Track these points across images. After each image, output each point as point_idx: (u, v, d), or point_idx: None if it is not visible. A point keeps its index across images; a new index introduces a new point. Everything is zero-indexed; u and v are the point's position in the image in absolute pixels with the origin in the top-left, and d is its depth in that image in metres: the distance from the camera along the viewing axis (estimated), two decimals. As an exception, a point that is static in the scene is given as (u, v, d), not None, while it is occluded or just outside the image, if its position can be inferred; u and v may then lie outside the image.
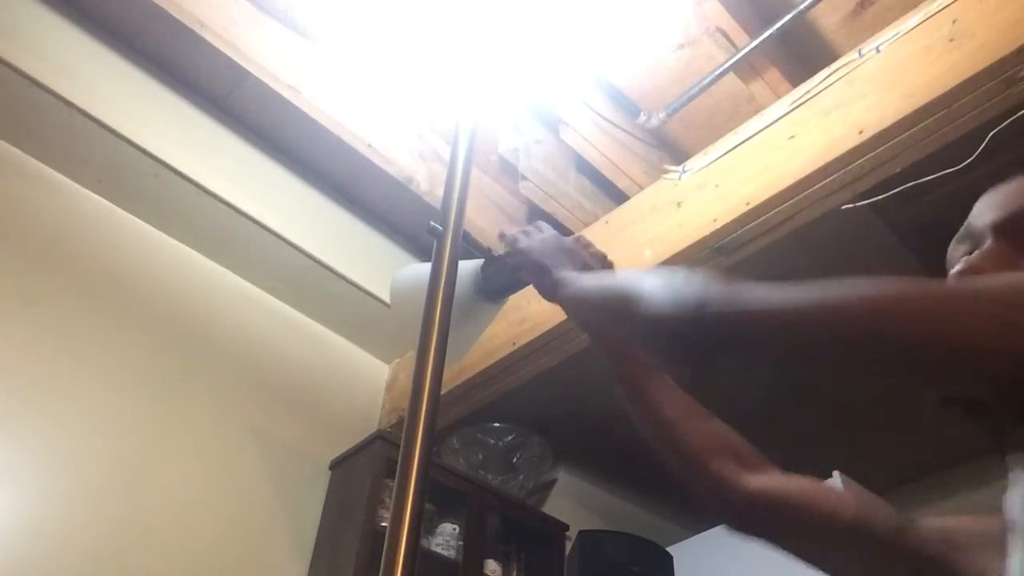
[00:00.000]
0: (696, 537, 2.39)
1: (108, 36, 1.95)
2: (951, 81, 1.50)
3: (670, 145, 2.13)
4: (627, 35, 1.91)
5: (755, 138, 1.79)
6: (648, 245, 1.88)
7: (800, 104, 1.75)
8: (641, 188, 2.07)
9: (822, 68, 1.80)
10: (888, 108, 1.58)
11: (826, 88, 1.73)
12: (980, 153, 1.50)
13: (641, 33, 1.91)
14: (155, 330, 2.01)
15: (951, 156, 1.58)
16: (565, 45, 1.92)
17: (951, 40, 1.54)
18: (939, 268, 2.26)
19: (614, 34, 1.91)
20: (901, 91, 1.57)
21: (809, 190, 1.67)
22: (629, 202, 2.09)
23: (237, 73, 1.93)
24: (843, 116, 1.65)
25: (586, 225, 2.17)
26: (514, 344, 2.05)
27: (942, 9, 1.57)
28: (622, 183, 2.11)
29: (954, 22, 1.55)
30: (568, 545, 2.44)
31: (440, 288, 0.89)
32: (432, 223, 0.87)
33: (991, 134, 1.45)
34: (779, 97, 1.87)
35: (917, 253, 2.11)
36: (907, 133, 1.57)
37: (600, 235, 2.03)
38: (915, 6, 1.71)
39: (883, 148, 1.60)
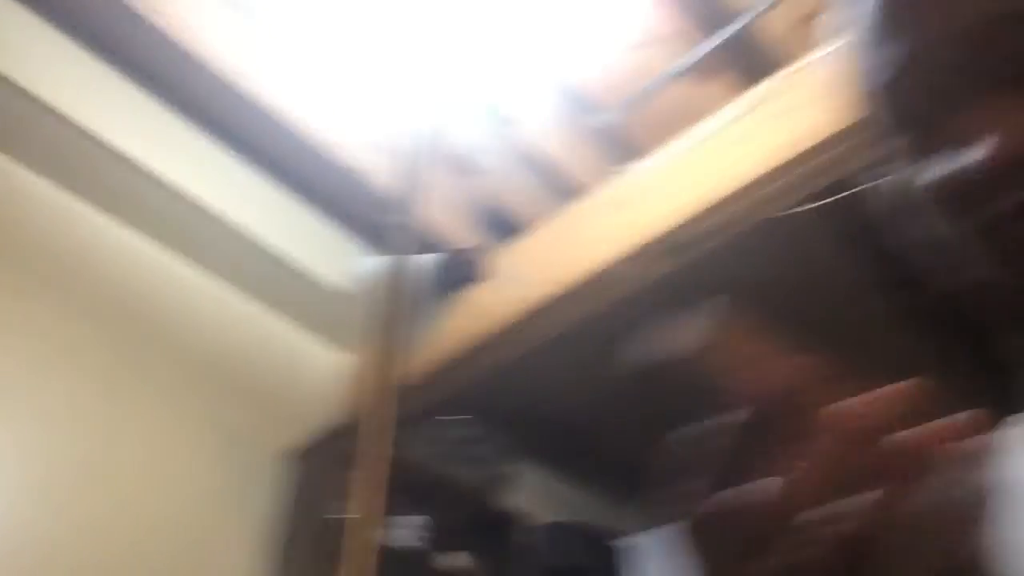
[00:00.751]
0: (651, 532, 2.44)
1: (51, 17, 1.88)
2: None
3: (624, 144, 2.17)
4: (584, 33, 1.95)
5: (707, 140, 1.84)
6: (597, 244, 1.92)
7: (752, 108, 1.80)
8: (592, 187, 2.12)
9: (774, 73, 1.87)
10: (839, 113, 1.63)
11: (778, 92, 1.78)
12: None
13: (598, 32, 1.95)
14: (101, 317, 1.98)
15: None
16: (520, 42, 1.95)
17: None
18: (877, 272, 2.30)
19: (571, 32, 1.95)
20: (852, 97, 1.62)
21: (759, 193, 1.72)
22: (579, 201, 2.13)
23: (181, 55, 1.91)
24: (795, 120, 1.70)
25: (536, 222, 2.21)
26: (475, 337, 2.07)
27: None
28: (574, 182, 2.15)
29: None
30: (530, 537, 2.48)
31: (398, 281, 0.93)
32: (389, 217, 0.90)
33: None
34: (732, 100, 1.93)
35: (864, 257, 2.16)
36: (857, 138, 1.63)
37: (550, 233, 2.07)
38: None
39: (833, 153, 1.65)
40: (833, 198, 1.75)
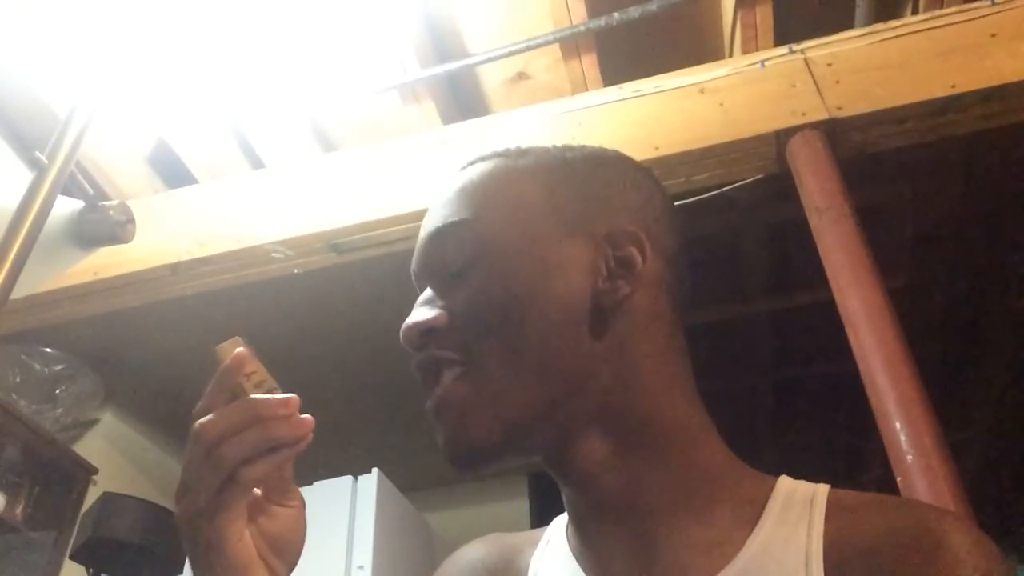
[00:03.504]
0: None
1: None
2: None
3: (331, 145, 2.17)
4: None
5: (408, 158, 1.91)
6: (258, 222, 1.89)
7: (445, 143, 1.91)
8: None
9: (477, 116, 2.01)
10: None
11: (471, 139, 1.90)
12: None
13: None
14: None
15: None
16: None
17: (573, 139, 1.81)
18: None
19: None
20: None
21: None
22: (261, 175, 2.08)
23: None
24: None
25: (208, 178, 2.10)
26: (96, 274, 1.90)
27: (572, 111, 1.85)
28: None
29: (580, 124, 1.83)
30: (92, 490, 2.31)
31: (26, 221, 0.83)
32: (37, 154, 0.81)
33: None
34: (431, 129, 2.02)
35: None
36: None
37: (216, 195, 1.99)
38: (565, 92, 1.99)
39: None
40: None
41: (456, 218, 0.61)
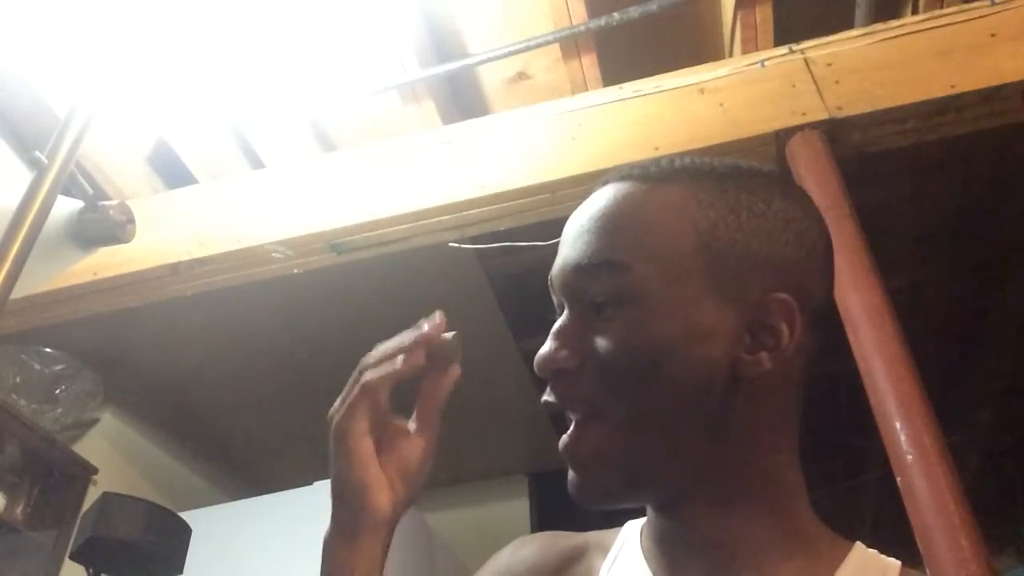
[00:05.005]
0: (226, 505, 2.43)
1: None
2: (563, 173, 1.77)
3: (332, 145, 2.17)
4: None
5: (408, 158, 1.91)
6: (256, 221, 1.89)
7: (449, 141, 1.91)
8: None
9: (477, 117, 2.01)
10: (513, 176, 1.81)
11: (471, 139, 1.90)
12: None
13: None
14: None
15: (547, 231, 1.85)
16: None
17: (573, 139, 1.82)
18: (514, 315, 2.59)
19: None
20: (529, 166, 1.81)
21: (426, 221, 1.83)
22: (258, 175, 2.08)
23: None
24: (475, 168, 1.84)
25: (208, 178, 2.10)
26: (96, 274, 1.90)
27: (572, 111, 1.85)
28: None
29: (580, 124, 1.83)
30: (92, 490, 2.31)
31: (26, 221, 0.83)
32: (37, 153, 0.81)
33: (577, 227, 1.72)
34: (431, 129, 2.02)
35: (500, 298, 2.41)
36: (518, 201, 1.81)
37: (216, 196, 1.99)
38: (564, 93, 1.99)
39: (497, 207, 1.82)
40: (489, 245, 1.92)
41: (608, 258, 0.59)
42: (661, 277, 0.58)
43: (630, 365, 0.57)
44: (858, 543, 0.62)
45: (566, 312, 0.61)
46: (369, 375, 0.58)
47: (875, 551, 0.62)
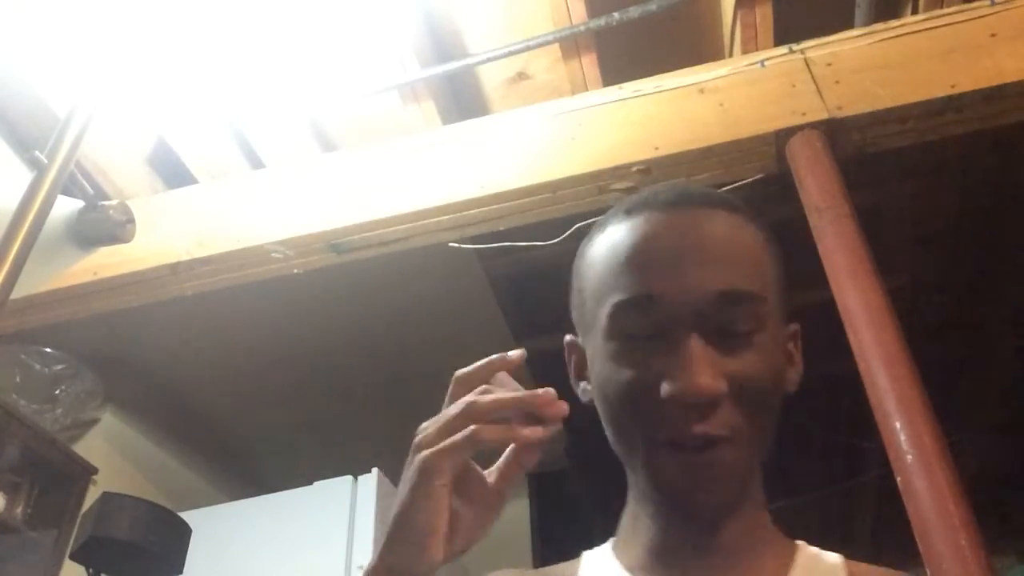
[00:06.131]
0: (226, 505, 2.43)
1: None
2: (563, 173, 1.77)
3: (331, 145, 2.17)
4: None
5: (408, 158, 1.91)
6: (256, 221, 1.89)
7: (446, 143, 1.91)
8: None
9: (477, 116, 2.01)
10: (513, 176, 1.81)
11: (471, 139, 1.90)
12: (565, 237, 1.78)
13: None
14: None
15: (547, 231, 1.85)
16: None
17: (573, 139, 1.82)
18: (514, 315, 2.59)
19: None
20: (529, 166, 1.81)
21: (426, 221, 1.83)
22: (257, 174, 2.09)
23: None
24: (475, 168, 1.84)
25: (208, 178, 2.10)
26: (96, 274, 1.90)
27: (572, 111, 1.85)
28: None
29: (580, 124, 1.83)
30: (92, 490, 2.31)
31: (26, 221, 0.83)
32: (37, 153, 0.81)
33: (577, 225, 1.73)
34: (431, 129, 2.02)
35: (500, 298, 2.41)
36: (518, 201, 1.81)
37: (213, 196, 1.99)
38: (564, 93, 2.00)
39: (497, 206, 1.82)
40: (489, 245, 1.92)
41: (751, 289, 0.62)
42: (778, 310, 0.65)
43: (765, 392, 0.61)
44: (800, 542, 0.68)
45: (694, 338, 0.59)
46: (486, 433, 0.54)
47: (817, 549, 0.68)
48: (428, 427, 0.55)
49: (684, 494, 0.60)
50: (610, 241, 0.66)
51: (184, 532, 1.84)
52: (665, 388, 0.58)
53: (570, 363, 0.72)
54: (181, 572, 2.03)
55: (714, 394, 0.58)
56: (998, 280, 2.41)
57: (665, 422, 0.59)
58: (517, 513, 2.94)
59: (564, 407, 0.56)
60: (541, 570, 0.72)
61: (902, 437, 1.25)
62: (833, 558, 0.66)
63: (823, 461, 3.15)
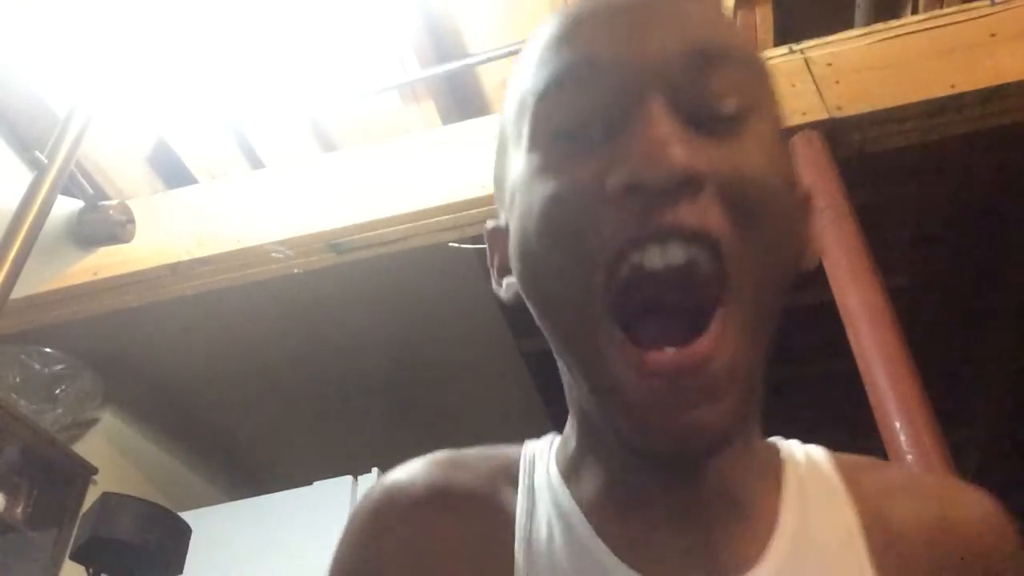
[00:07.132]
0: (226, 505, 2.43)
1: None
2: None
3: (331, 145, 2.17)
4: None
5: (408, 158, 1.91)
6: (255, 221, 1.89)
7: (446, 143, 1.91)
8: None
9: (477, 116, 2.01)
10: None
11: (471, 139, 1.90)
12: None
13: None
14: None
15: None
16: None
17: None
18: (514, 315, 2.59)
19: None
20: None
21: (426, 221, 1.83)
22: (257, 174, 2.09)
23: None
24: (475, 168, 1.84)
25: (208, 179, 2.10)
26: (96, 274, 1.90)
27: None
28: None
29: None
30: (92, 490, 2.31)
31: (26, 222, 0.83)
32: (37, 153, 0.81)
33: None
34: (431, 129, 2.02)
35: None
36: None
37: (213, 195, 1.99)
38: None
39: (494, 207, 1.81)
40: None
41: (735, 43, 0.44)
42: (773, 96, 0.45)
43: (766, 197, 0.41)
44: (779, 446, 0.53)
45: (656, 102, 0.40)
46: None
47: (795, 440, 0.53)
48: None
49: (657, 436, 0.40)
50: (534, 41, 0.50)
51: (184, 532, 1.84)
52: (612, 179, 0.40)
53: (492, 260, 0.56)
54: (181, 572, 2.03)
55: (689, 168, 0.38)
56: (998, 280, 2.41)
57: (615, 236, 0.40)
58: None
59: None
60: (479, 449, 0.57)
61: (902, 437, 1.25)
62: (818, 456, 0.51)
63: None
